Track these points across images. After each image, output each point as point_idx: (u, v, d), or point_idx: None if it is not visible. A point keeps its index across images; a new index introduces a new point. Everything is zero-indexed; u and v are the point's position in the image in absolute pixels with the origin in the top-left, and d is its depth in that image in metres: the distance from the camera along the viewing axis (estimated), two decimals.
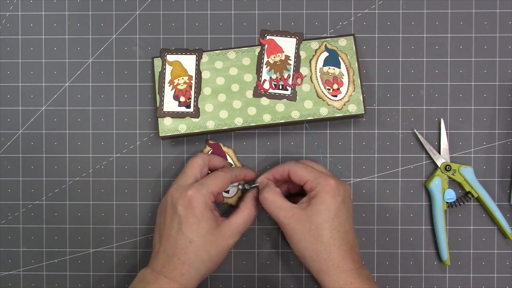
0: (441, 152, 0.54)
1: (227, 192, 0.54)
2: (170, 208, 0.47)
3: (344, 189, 0.47)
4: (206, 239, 0.46)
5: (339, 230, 0.46)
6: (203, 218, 0.46)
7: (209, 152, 0.54)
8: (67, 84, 0.55)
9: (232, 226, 0.48)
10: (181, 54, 0.54)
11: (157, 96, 0.53)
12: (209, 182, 0.48)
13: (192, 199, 0.46)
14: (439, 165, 0.53)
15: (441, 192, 0.53)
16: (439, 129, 0.54)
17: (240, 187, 0.53)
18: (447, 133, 0.54)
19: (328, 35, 0.55)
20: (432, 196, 0.53)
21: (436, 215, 0.53)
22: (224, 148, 0.54)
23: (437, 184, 0.53)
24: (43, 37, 0.55)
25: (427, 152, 0.54)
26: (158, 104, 0.53)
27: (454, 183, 0.54)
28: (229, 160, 0.54)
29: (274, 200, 0.48)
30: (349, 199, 0.48)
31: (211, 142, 0.54)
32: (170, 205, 0.48)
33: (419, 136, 0.54)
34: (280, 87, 0.53)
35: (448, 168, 0.53)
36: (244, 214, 0.49)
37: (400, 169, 0.54)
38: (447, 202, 0.53)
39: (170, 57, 0.54)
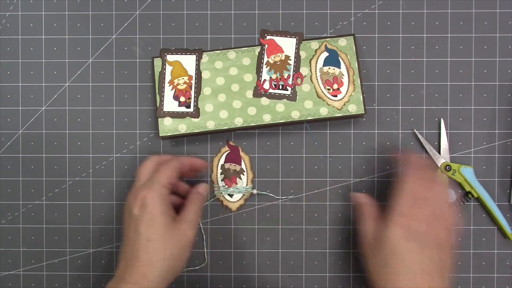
0: (441, 152, 0.54)
1: (231, 196, 0.54)
2: (127, 214, 0.47)
3: None
4: (164, 235, 0.45)
5: None
6: (157, 214, 0.46)
7: (227, 153, 0.54)
8: (67, 84, 0.55)
9: (186, 219, 0.47)
10: (181, 54, 0.54)
11: (157, 96, 0.53)
12: (158, 177, 0.47)
13: (145, 197, 0.46)
14: (439, 165, 0.53)
15: None
16: (439, 129, 0.54)
17: (249, 192, 0.54)
18: (447, 133, 0.54)
19: (328, 35, 0.55)
20: None
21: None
22: (242, 154, 0.54)
23: None
24: (43, 37, 0.55)
25: (427, 152, 0.54)
26: (158, 104, 0.53)
27: (454, 183, 0.54)
28: (243, 166, 0.54)
29: (367, 223, 0.49)
30: None
31: (231, 143, 0.54)
32: (127, 211, 0.47)
33: (419, 136, 0.54)
34: (280, 87, 0.53)
35: (448, 168, 0.53)
36: (194, 207, 0.49)
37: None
38: None
39: (170, 57, 0.54)
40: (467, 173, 0.53)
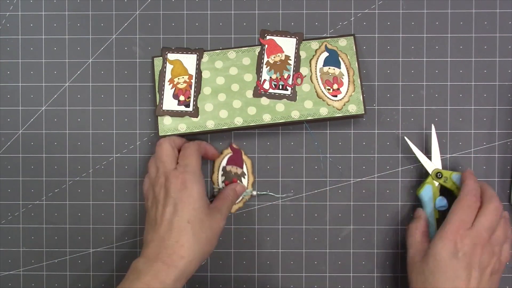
0: (432, 158, 0.53)
1: None
2: (163, 197, 0.47)
3: None
4: (202, 219, 0.46)
5: None
6: (198, 197, 0.46)
7: (229, 156, 0.54)
8: (67, 84, 0.55)
9: (220, 210, 0.49)
10: (182, 53, 0.54)
11: (157, 94, 0.53)
12: (191, 161, 0.48)
13: (186, 180, 0.46)
14: (430, 172, 0.53)
15: (433, 200, 0.52)
16: (431, 134, 0.53)
17: (249, 195, 0.54)
18: (447, 133, 0.54)
19: (328, 35, 0.55)
20: (423, 204, 0.52)
21: (428, 223, 0.52)
22: (244, 157, 0.54)
23: (428, 191, 0.52)
24: (43, 37, 0.55)
25: (426, 152, 0.54)
26: (157, 102, 0.53)
27: (446, 191, 0.53)
28: (244, 169, 0.54)
29: (414, 235, 0.50)
30: None
31: (234, 146, 0.54)
32: (162, 193, 0.47)
33: (409, 142, 0.53)
34: (280, 87, 0.53)
35: (440, 175, 0.52)
36: (227, 201, 0.50)
37: (400, 169, 0.54)
38: (439, 211, 0.52)
39: (171, 56, 0.54)
40: (459, 180, 0.51)
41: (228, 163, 0.54)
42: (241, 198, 0.54)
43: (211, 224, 0.47)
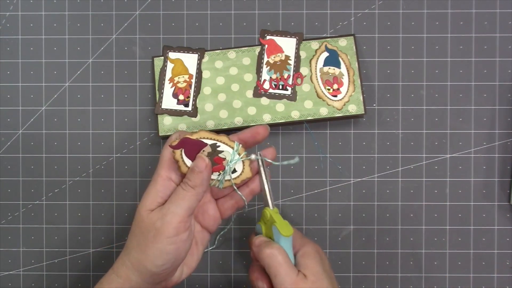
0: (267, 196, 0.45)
1: (233, 172, 0.44)
2: None
3: None
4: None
5: None
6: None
7: (183, 151, 0.43)
8: (67, 84, 0.55)
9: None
10: (183, 52, 0.54)
11: (157, 92, 0.53)
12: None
13: None
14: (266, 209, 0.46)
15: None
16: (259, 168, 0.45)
17: (251, 157, 0.44)
18: (447, 133, 0.54)
19: (328, 35, 0.55)
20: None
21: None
22: (195, 135, 0.43)
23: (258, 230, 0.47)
24: (43, 37, 0.55)
25: (428, 152, 0.54)
26: (157, 100, 0.53)
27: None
28: (210, 142, 0.44)
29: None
30: None
31: (175, 144, 0.43)
32: None
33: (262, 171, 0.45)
34: (280, 87, 0.53)
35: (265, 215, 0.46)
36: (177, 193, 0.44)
37: (400, 169, 0.54)
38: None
39: (172, 55, 0.54)
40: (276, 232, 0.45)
41: (189, 157, 0.43)
42: (241, 163, 0.44)
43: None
